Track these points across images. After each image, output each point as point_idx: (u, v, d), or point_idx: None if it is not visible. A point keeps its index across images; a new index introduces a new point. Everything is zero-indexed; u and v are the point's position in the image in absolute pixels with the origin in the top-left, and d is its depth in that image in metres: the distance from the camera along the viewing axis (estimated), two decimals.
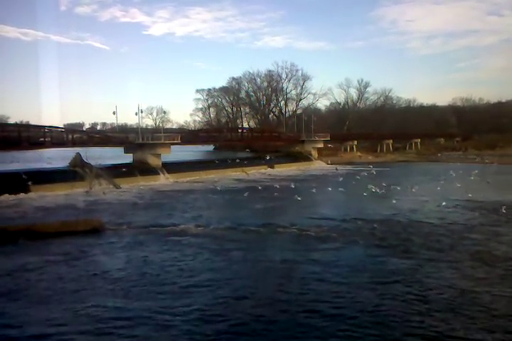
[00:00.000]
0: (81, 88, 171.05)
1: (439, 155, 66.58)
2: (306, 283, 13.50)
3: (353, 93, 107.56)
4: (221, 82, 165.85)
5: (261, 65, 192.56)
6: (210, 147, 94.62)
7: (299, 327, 10.46)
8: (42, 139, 41.85)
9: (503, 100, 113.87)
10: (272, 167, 56.00)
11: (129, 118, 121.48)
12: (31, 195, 33.10)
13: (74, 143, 43.03)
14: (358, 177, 30.82)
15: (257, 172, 50.98)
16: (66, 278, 14.25)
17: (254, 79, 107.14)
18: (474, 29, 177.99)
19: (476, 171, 29.68)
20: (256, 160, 52.98)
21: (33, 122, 62.72)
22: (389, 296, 12.27)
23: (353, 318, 10.86)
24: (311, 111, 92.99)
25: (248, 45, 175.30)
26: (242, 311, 11.40)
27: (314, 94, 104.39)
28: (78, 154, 39.23)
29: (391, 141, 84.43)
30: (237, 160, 42.32)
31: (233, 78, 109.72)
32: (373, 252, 16.93)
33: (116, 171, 38.85)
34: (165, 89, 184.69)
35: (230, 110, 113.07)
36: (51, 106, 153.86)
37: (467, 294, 12.41)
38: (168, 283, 13.56)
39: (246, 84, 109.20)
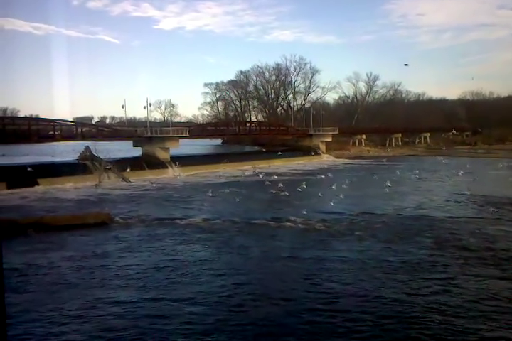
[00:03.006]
0: (91, 82, 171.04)
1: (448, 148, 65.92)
2: None
3: (362, 87, 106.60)
4: (230, 76, 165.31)
5: (270, 59, 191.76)
6: (218, 141, 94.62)
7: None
8: (51, 132, 42.14)
9: None
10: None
11: (137, 111, 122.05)
12: (38, 188, 33.13)
13: (83, 137, 43.29)
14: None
15: (267, 167, 50.63)
16: (75, 270, 14.46)
17: (263, 72, 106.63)
18: (485, 23, 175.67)
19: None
20: (266, 154, 52.63)
21: (43, 115, 63.35)
22: None
23: None
24: (320, 105, 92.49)
25: (257, 39, 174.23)
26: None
27: (323, 88, 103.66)
28: (87, 147, 39.47)
29: (400, 135, 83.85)
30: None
31: (241, 72, 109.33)
32: None
33: (125, 164, 39.08)
34: (174, 83, 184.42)
35: (238, 104, 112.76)
36: (61, 99, 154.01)
37: None
38: (164, 278, 13.75)
39: (254, 77, 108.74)
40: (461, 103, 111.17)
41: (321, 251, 16.21)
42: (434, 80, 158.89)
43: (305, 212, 22.10)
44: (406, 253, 15.82)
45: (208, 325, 10.38)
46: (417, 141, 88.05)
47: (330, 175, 34.85)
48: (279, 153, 45.88)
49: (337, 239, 18.16)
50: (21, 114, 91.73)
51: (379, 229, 19.68)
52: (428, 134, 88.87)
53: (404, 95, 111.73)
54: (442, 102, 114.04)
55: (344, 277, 13.49)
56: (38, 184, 33.83)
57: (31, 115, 77.02)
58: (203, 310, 11.13)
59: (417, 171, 38.40)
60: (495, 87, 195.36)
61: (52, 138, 43.49)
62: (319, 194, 27.15)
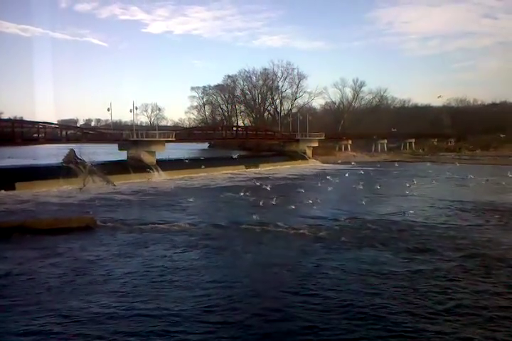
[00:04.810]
0: (77, 84, 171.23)
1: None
2: None
3: (349, 92, 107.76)
4: (217, 80, 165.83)
5: (258, 64, 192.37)
6: (205, 145, 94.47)
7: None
8: (36, 135, 41.69)
9: (497, 101, 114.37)
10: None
11: (123, 115, 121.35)
12: (20, 192, 32.21)
13: (68, 140, 42.91)
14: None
15: (260, 170, 50.59)
16: (58, 275, 14.19)
17: (250, 77, 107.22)
18: (470, 31, 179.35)
19: None
20: (253, 158, 52.71)
21: (27, 118, 62.66)
22: None
23: None
24: (307, 110, 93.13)
25: (246, 44, 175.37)
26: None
27: (310, 93, 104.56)
28: (72, 150, 39.03)
29: (385, 141, 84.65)
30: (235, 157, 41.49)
31: (228, 76, 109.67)
32: None
33: (109, 168, 38.71)
34: (161, 87, 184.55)
35: (225, 108, 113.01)
36: (46, 102, 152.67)
37: None
38: (153, 281, 13.61)
39: (241, 82, 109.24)
40: (446, 110, 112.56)
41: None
42: (420, 87, 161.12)
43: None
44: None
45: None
46: (402, 146, 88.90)
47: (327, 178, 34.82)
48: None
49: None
50: (5, 116, 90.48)
51: None
52: (413, 140, 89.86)
53: (390, 101, 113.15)
54: (427, 109, 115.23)
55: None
56: (14, 188, 32.86)
57: (15, 117, 75.90)
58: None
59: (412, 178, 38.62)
60: (479, 94, 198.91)
61: (36, 141, 43.03)
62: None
